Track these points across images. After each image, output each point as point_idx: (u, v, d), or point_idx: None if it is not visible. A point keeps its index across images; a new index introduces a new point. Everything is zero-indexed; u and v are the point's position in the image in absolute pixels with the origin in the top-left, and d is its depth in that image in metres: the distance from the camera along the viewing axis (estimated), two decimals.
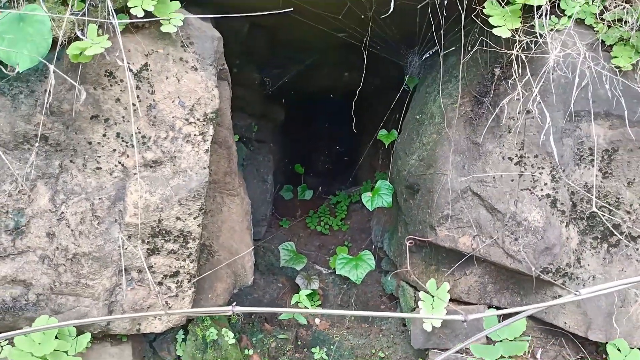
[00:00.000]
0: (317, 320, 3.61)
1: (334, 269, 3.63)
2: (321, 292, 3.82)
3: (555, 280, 2.40)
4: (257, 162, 4.31)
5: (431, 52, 2.95)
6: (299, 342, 3.38)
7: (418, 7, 2.41)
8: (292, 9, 2.31)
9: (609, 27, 2.39)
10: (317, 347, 3.19)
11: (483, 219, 2.49)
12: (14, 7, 2.05)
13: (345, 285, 3.82)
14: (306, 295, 3.42)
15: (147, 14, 2.17)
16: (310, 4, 2.64)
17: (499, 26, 2.23)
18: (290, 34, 3.45)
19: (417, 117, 2.99)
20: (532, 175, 2.37)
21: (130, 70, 2.29)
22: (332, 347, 3.29)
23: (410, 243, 2.66)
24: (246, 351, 3.00)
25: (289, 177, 5.10)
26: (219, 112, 2.60)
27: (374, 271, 3.70)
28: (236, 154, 2.84)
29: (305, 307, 3.16)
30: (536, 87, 2.28)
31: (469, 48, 2.56)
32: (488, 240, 2.47)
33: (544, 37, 2.19)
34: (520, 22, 2.24)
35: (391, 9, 2.31)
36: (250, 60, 3.66)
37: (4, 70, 1.98)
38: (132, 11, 2.15)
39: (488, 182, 2.46)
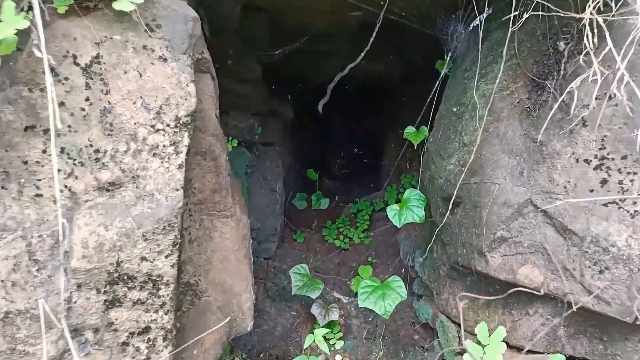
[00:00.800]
0: (337, 357, 3.02)
1: (357, 292, 3.03)
2: (342, 322, 3.23)
3: None
4: (263, 169, 3.73)
5: (473, 24, 2.31)
6: None
7: None
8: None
9: None
10: None
11: (552, 243, 1.86)
12: None
13: (371, 313, 3.22)
14: (326, 326, 2.84)
15: None
16: None
17: None
18: (294, 18, 2.88)
19: (454, 109, 2.36)
20: (620, 184, 1.73)
21: (77, 64, 1.73)
22: None
23: (461, 297, 2.04)
24: None
25: (302, 183, 4.49)
26: (199, 115, 2.02)
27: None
28: (227, 166, 2.26)
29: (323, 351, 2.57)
30: (622, 62, 1.64)
31: (522, 15, 1.93)
32: (560, 273, 1.83)
33: None
34: None
35: None
36: (249, 51, 3.08)
37: None
38: None
39: (557, 194, 1.83)
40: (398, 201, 3.91)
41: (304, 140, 4.53)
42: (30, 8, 1.64)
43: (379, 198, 4.05)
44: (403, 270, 3.27)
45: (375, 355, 3.02)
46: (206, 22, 2.58)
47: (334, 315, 3.06)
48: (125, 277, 1.76)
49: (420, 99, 2.95)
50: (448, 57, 2.54)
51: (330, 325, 3.08)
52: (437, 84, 2.60)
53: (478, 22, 2.23)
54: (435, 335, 2.89)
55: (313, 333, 2.71)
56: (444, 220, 2.37)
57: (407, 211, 2.60)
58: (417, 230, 3.22)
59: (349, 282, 3.39)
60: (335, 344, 3.07)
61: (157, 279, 1.79)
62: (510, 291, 1.93)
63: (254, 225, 3.62)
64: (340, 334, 3.13)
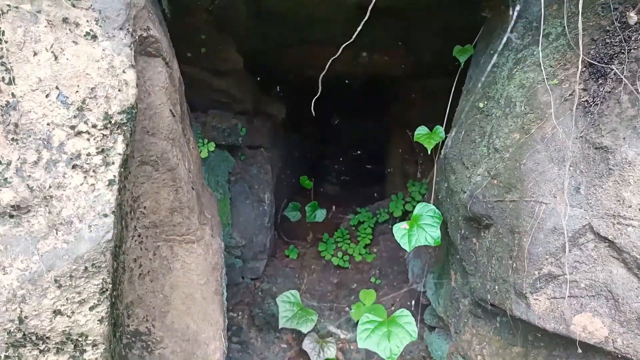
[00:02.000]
0: None
1: (357, 321, 2.53)
2: (341, 358, 2.73)
3: None
4: (249, 176, 3.23)
5: None
6: None
7: None
8: None
9: None
10: None
11: (621, 284, 1.37)
12: None
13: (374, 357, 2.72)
14: None
15: None
16: None
17: None
18: (281, 2, 2.40)
19: (480, 105, 1.86)
20: None
21: None
22: None
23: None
24: None
25: (295, 192, 3.98)
26: (148, 112, 1.53)
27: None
28: (187, 178, 1.76)
29: None
30: None
31: None
32: (634, 325, 1.34)
33: None
34: None
35: None
36: (226, 37, 2.58)
37: None
38: None
39: (630, 219, 1.33)
40: (405, 213, 3.42)
41: (297, 143, 4.02)
42: None
43: (383, 208, 3.55)
44: (411, 296, 2.77)
45: None
46: None
47: (331, 352, 2.56)
48: (35, 337, 1.27)
49: (431, 96, 2.46)
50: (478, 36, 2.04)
51: None
52: (457, 73, 2.10)
53: None
54: None
55: None
56: (468, 246, 1.87)
57: (418, 231, 2.09)
58: (430, 250, 2.72)
59: (347, 309, 2.89)
60: None
61: (80, 339, 1.30)
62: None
63: (239, 243, 3.13)
64: None
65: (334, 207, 3.68)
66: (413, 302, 2.79)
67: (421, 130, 2.29)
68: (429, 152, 2.23)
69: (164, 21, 1.91)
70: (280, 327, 2.59)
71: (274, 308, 3.01)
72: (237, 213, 3.13)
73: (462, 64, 2.25)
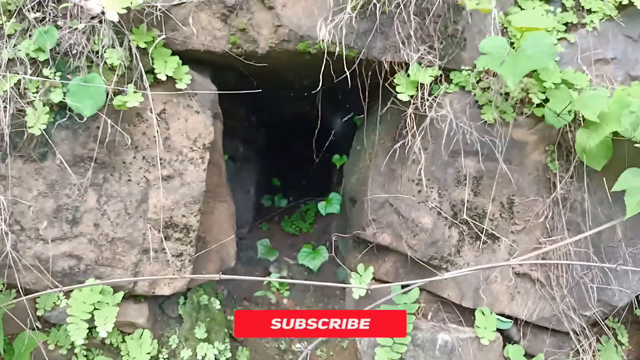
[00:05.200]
0: (284, 301, 4.67)
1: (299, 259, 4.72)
2: (288, 274, 4.89)
3: (441, 266, 3.49)
4: (242, 176, 5.39)
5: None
6: None
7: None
8: (260, 90, 3.35)
9: (483, 91, 3.49)
10: None
11: (395, 222, 3.58)
12: (80, 73, 3.12)
13: (308, 274, 4.88)
14: (277, 284, 4.50)
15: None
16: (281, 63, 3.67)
17: (401, 92, 3.33)
18: (269, 81, 4.55)
19: (358, 147, 4.09)
20: (426, 193, 3.47)
21: (152, 112, 3.36)
22: None
23: (336, 237, 3.73)
24: (228, 317, 4.05)
25: (269, 188, 6.19)
26: (213, 142, 3.68)
27: (331, 265, 4.79)
28: (225, 171, 3.91)
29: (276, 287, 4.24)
30: (419, 136, 3.36)
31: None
32: (398, 237, 3.56)
33: (429, 100, 3.28)
34: (415, 90, 3.34)
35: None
36: (238, 100, 4.75)
37: (75, 116, 3.05)
38: (157, 76, 3.22)
39: (399, 197, 3.55)
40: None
41: (272, 159, 6.24)
42: (134, 83, 3.28)
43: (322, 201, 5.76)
44: (331, 249, 4.96)
45: (309, 300, 4.67)
46: None
47: (284, 272, 4.72)
48: (173, 225, 3.39)
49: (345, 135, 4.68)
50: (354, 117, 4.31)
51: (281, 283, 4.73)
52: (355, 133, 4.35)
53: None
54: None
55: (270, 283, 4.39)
56: (350, 210, 4.08)
57: (330, 206, 4.32)
58: (341, 222, 4.93)
59: (295, 254, 5.06)
60: (283, 293, 4.72)
61: (189, 228, 3.42)
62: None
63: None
64: (287, 287, 4.78)
65: (290, 198, 5.90)
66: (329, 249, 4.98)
67: (336, 157, 4.52)
68: (338, 167, 4.47)
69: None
70: (257, 257, 4.74)
71: (252, 254, 5.14)
72: (234, 197, 5.27)
73: (359, 124, 4.48)
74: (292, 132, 5.43)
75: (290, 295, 4.69)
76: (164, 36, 3.16)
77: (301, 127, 5.65)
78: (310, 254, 4.45)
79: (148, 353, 3.40)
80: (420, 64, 3.30)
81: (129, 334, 3.48)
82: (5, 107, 2.95)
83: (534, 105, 3.31)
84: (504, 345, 3.56)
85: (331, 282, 4.97)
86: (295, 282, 4.21)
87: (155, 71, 3.22)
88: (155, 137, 3.32)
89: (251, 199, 5.48)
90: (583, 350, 3.45)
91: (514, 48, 3.16)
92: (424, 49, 3.26)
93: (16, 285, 3.23)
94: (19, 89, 3.06)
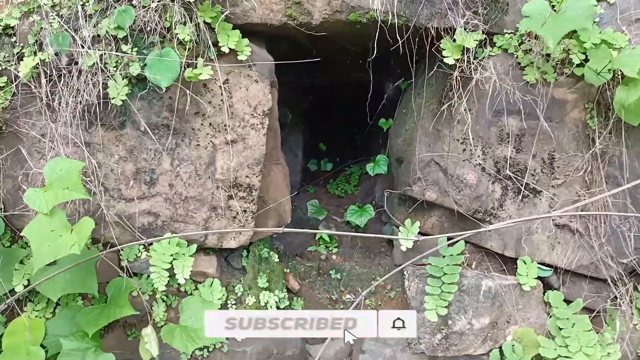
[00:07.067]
0: (334, 256, 5.02)
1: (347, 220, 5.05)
2: (337, 237, 5.23)
3: (485, 219, 3.76)
4: (290, 141, 5.71)
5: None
6: (320, 270, 4.80)
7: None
8: (318, 59, 3.62)
9: (525, 53, 3.67)
10: (334, 270, 4.60)
11: (440, 179, 3.85)
12: (154, 48, 3.45)
13: (355, 232, 5.21)
14: (326, 239, 4.84)
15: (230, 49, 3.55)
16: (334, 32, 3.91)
17: (448, 57, 3.55)
18: (319, 51, 4.80)
19: (404, 111, 4.34)
20: (471, 150, 3.72)
21: (218, 82, 3.68)
22: (344, 273, 4.69)
23: (388, 193, 4.03)
24: (285, 270, 4.43)
25: (315, 153, 6.51)
26: (271, 109, 3.98)
27: (377, 223, 5.10)
28: (279, 136, 4.23)
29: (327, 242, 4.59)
30: (465, 97, 3.59)
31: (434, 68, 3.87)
32: (443, 193, 3.83)
33: (474, 63, 3.50)
34: (461, 54, 3.55)
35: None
36: (287, 69, 5.02)
37: (154, 87, 3.39)
38: (221, 49, 3.52)
39: (444, 156, 3.81)
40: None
41: (318, 124, 6.54)
42: (202, 55, 3.59)
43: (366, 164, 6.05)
44: (375, 207, 5.25)
45: (357, 256, 5.02)
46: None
47: (333, 230, 5.06)
48: (238, 185, 3.74)
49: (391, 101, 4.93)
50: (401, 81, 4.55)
51: (330, 237, 5.08)
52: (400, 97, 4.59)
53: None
54: (393, 245, 4.88)
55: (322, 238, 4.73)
56: (397, 170, 4.36)
57: (377, 167, 4.60)
58: (386, 183, 5.22)
59: (342, 211, 5.38)
60: (332, 249, 5.07)
61: (252, 187, 3.77)
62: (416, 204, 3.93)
63: None
64: (336, 244, 5.13)
65: (337, 159, 6.22)
66: (375, 208, 5.28)
67: (382, 120, 4.78)
68: (385, 131, 4.73)
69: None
70: (308, 216, 5.09)
71: (301, 215, 5.49)
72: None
73: (403, 89, 4.71)
74: (338, 98, 5.70)
75: (338, 252, 5.04)
76: (228, 11, 3.44)
77: (347, 92, 5.93)
78: (357, 212, 4.76)
79: (219, 299, 3.80)
80: (465, 29, 3.51)
81: (200, 282, 3.89)
82: (92, 80, 3.31)
83: (574, 65, 3.48)
84: (544, 292, 3.83)
85: (377, 240, 5.31)
86: (349, 234, 4.55)
87: (220, 44, 3.52)
88: (219, 105, 3.64)
89: (299, 163, 5.81)
90: (620, 296, 3.68)
91: (555, 11, 3.32)
92: (469, 15, 3.46)
93: (100, 240, 3.66)
94: (100, 64, 3.40)
